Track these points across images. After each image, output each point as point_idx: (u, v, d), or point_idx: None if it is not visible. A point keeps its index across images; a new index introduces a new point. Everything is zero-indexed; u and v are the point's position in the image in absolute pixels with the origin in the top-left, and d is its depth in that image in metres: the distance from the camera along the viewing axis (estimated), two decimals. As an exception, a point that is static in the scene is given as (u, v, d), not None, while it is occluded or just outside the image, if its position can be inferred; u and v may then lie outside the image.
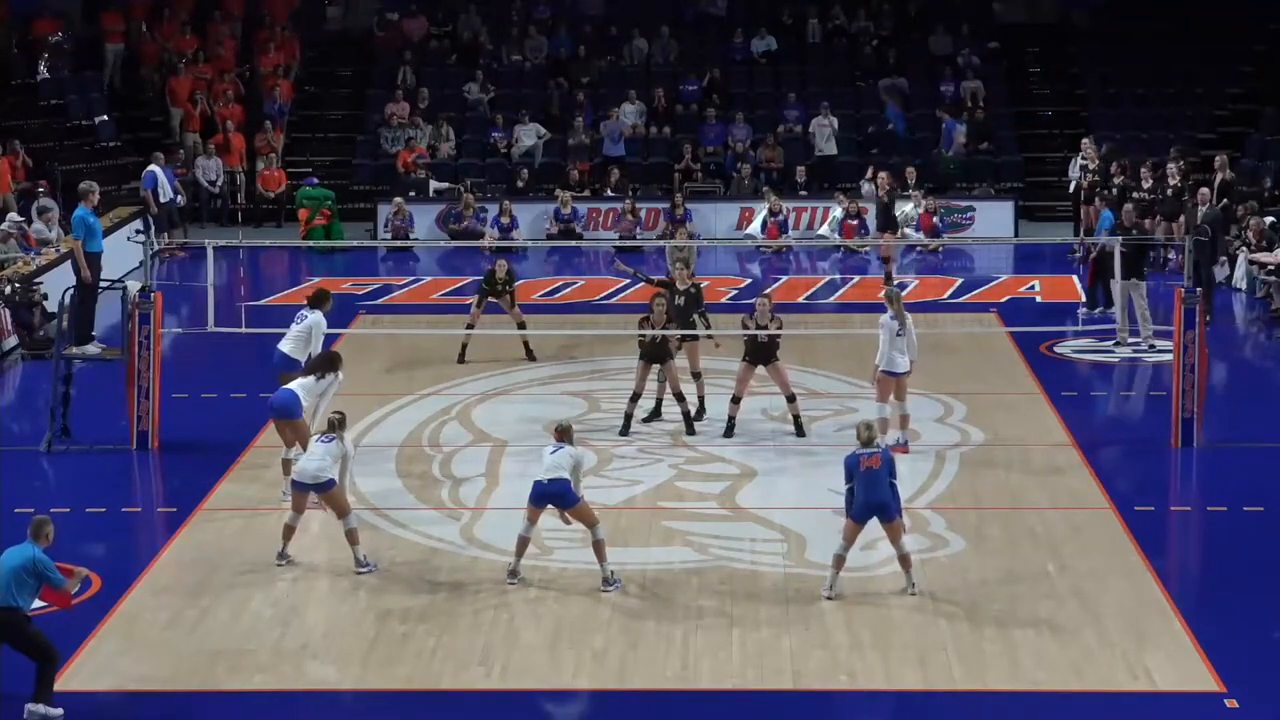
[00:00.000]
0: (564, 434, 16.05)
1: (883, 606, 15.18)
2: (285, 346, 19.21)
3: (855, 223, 32.65)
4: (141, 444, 19.86)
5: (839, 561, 15.43)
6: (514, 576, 15.86)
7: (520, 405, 21.79)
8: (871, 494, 15.26)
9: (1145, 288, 24.56)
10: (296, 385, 18.01)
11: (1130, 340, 24.50)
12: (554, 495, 15.69)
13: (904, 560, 15.54)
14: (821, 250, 32.83)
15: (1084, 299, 26.95)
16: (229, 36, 38.73)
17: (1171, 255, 29.81)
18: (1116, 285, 24.06)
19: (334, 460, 16.23)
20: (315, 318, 19.29)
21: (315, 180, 34.75)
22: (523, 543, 15.92)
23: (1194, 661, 14.07)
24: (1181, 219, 29.10)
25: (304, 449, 16.99)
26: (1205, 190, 28.17)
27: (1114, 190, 30.36)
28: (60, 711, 13.08)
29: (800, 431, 20.28)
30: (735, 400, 20.42)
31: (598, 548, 15.76)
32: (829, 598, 15.33)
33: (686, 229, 30.77)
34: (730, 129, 36.71)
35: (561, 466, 15.69)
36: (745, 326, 20.41)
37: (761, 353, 20.25)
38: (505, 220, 32.99)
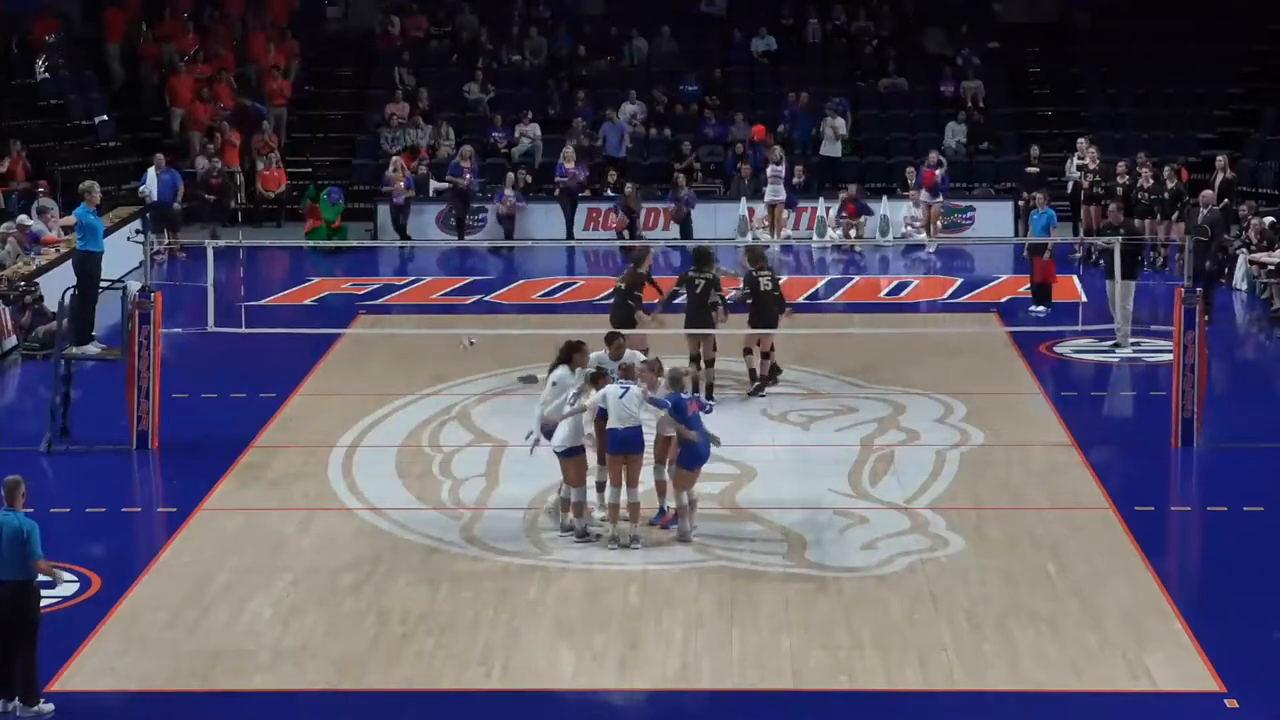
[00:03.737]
0: (629, 372, 16.75)
1: (883, 606, 15.17)
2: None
3: (853, 205, 33.11)
4: (141, 444, 19.84)
5: (693, 504, 16.74)
6: (631, 539, 16.50)
7: (520, 405, 21.75)
8: (706, 442, 16.55)
9: (1134, 288, 24.55)
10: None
11: (1130, 340, 24.53)
12: (632, 442, 16.42)
13: (692, 508, 16.75)
14: (821, 250, 32.95)
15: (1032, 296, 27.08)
16: (229, 36, 38.74)
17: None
18: (1117, 286, 24.03)
19: (573, 420, 16.56)
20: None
21: (339, 192, 34.58)
22: (613, 509, 16.53)
23: (1194, 661, 14.07)
24: (1169, 219, 29.28)
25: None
26: (1209, 192, 28.22)
27: (1117, 190, 30.48)
28: (51, 707, 13.09)
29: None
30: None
31: (634, 509, 16.58)
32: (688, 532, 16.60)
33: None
34: (730, 129, 36.74)
35: (634, 413, 16.39)
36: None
37: None
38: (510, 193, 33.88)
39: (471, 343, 22.02)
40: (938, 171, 33.56)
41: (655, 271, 23.37)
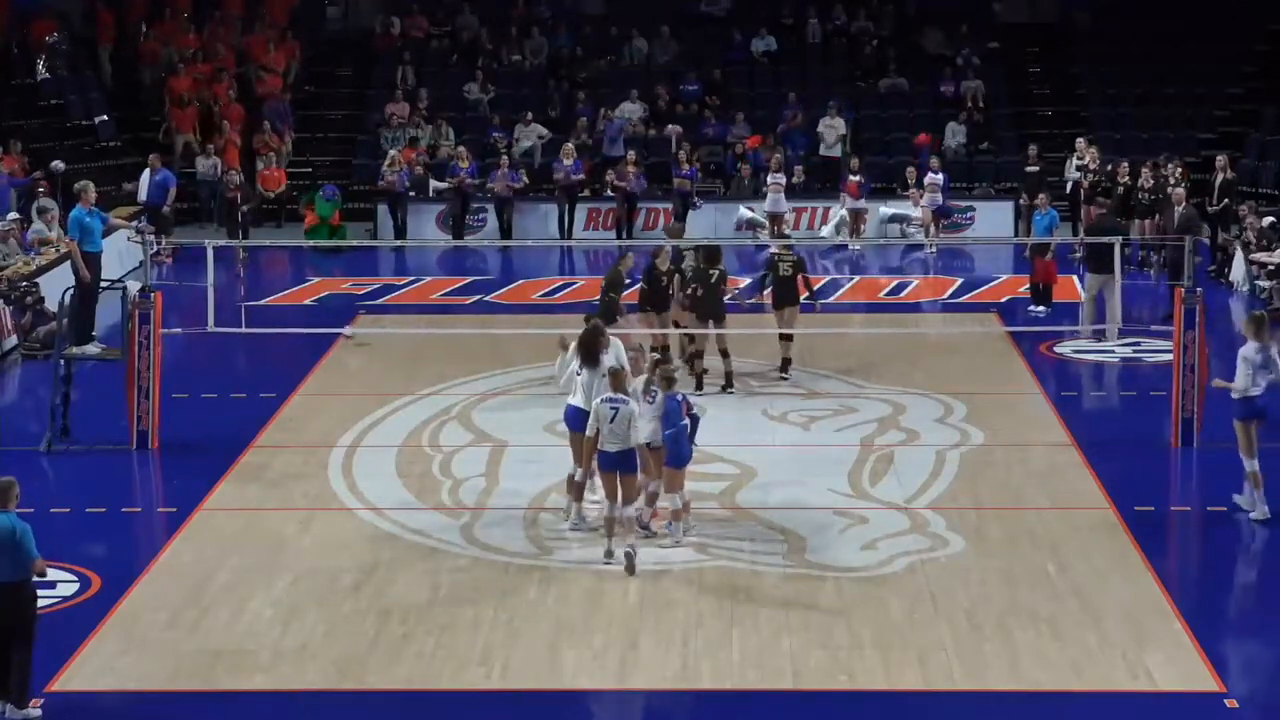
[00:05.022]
0: (618, 378, 16.25)
1: (883, 606, 15.17)
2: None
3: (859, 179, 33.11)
4: (141, 444, 19.83)
5: (687, 506, 16.62)
6: (610, 557, 16.13)
7: (520, 405, 21.78)
8: (689, 445, 16.62)
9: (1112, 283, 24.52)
10: None
11: (1130, 340, 24.55)
12: (623, 463, 16.07)
13: (684, 510, 16.63)
14: (823, 250, 32.92)
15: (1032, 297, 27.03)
16: (228, 36, 38.73)
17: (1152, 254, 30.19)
18: (1116, 285, 23.99)
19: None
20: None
21: (335, 189, 34.55)
22: (609, 522, 16.19)
23: (1194, 661, 14.06)
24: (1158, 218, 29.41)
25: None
26: (1180, 190, 28.32)
27: (1120, 190, 30.49)
28: (39, 713, 13.07)
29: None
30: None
31: (627, 524, 16.28)
32: (677, 542, 16.46)
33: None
34: (730, 129, 36.74)
35: (624, 435, 15.96)
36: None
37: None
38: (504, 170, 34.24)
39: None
40: (939, 176, 33.28)
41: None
